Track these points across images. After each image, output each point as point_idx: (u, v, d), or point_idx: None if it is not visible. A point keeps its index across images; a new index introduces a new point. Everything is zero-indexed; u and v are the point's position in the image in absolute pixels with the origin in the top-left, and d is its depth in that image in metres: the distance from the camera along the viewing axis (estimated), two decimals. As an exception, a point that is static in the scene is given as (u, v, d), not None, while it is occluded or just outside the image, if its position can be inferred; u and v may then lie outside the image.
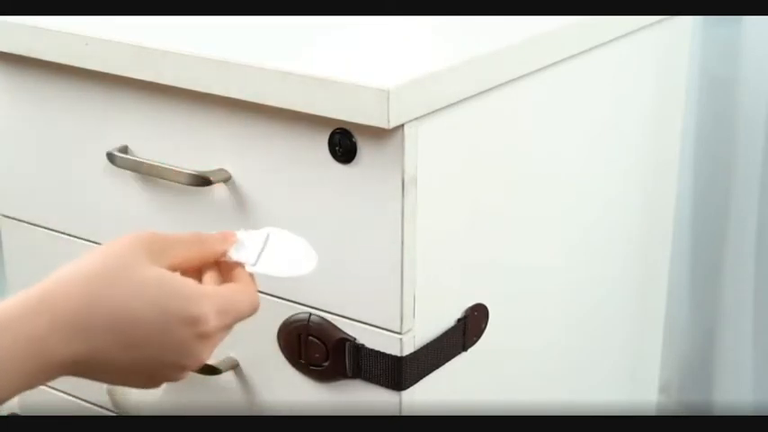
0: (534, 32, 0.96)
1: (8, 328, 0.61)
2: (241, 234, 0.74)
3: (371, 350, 0.90)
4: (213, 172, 0.94)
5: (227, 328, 0.69)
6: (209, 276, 0.71)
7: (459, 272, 0.95)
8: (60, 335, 0.62)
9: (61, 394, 1.12)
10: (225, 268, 0.72)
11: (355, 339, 0.91)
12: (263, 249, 0.74)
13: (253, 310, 0.71)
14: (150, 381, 0.68)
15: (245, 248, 0.73)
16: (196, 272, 0.71)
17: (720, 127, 1.50)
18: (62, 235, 1.08)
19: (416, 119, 0.84)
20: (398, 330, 0.89)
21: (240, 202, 0.94)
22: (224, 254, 0.72)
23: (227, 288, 0.70)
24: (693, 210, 1.56)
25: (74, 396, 1.12)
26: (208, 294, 0.67)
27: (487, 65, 0.90)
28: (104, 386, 1.04)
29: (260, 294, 0.97)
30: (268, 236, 0.75)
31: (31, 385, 0.62)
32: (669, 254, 1.36)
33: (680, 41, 1.23)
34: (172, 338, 0.65)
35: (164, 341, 0.65)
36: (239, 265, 0.73)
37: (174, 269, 0.68)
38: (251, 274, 0.73)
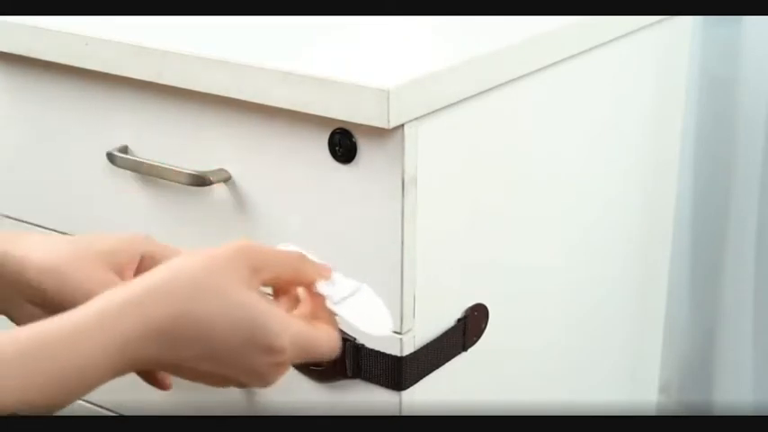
0: (534, 32, 0.96)
1: (103, 326, 0.63)
2: (337, 275, 0.74)
3: (371, 350, 0.90)
4: (213, 172, 0.94)
5: (303, 361, 0.71)
6: (301, 307, 0.72)
7: (459, 272, 0.95)
8: (151, 341, 0.64)
9: (61, 394, 1.12)
10: (313, 299, 0.73)
11: (355, 339, 0.91)
12: (350, 295, 0.74)
13: (332, 355, 0.72)
14: (220, 384, 0.70)
15: (335, 287, 0.74)
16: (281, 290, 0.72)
17: (720, 127, 1.50)
18: (62, 235, 1.08)
19: (416, 119, 0.84)
20: (398, 330, 0.89)
21: (240, 202, 0.94)
22: (313, 284, 0.73)
23: (313, 328, 0.70)
24: (693, 210, 1.56)
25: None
26: (292, 330, 0.68)
27: (487, 65, 0.90)
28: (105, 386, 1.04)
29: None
30: (360, 288, 0.75)
31: (114, 377, 0.65)
32: (669, 254, 1.36)
33: (680, 41, 1.23)
34: (250, 363, 0.67)
35: (242, 363, 0.67)
36: (323, 299, 0.73)
37: (265, 284, 0.70)
38: (336, 319, 0.73)
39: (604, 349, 1.25)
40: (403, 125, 0.84)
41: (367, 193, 0.87)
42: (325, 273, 0.73)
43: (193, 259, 0.67)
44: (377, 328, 0.75)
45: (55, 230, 1.09)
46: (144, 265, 0.77)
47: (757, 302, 1.53)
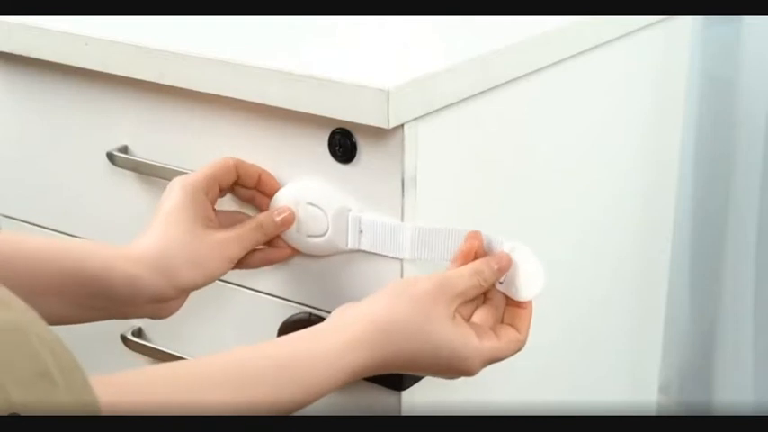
0: (534, 32, 0.96)
1: (339, 355, 0.79)
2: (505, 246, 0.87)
3: (371, 350, 0.90)
4: (213, 172, 0.94)
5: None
6: (483, 313, 0.87)
7: (459, 272, 0.95)
8: (371, 370, 0.80)
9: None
10: (496, 305, 0.88)
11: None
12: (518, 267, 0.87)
13: (516, 354, 0.87)
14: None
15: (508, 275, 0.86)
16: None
17: (720, 127, 1.50)
18: (62, 235, 1.08)
19: (416, 119, 0.84)
20: (398, 330, 0.89)
21: (240, 201, 0.94)
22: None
23: (498, 341, 0.85)
24: (693, 210, 1.56)
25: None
26: (483, 355, 0.84)
27: (487, 65, 0.90)
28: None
29: (260, 294, 0.97)
30: (515, 248, 0.88)
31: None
32: (669, 253, 1.36)
33: (680, 41, 1.23)
34: (444, 377, 0.85)
35: (438, 372, 0.84)
36: (522, 306, 0.87)
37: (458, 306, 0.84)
38: (528, 319, 0.87)
39: (604, 349, 1.25)
40: (403, 125, 0.84)
41: (367, 193, 0.87)
42: (503, 263, 0.86)
43: (405, 305, 0.81)
44: (534, 287, 0.87)
45: (55, 230, 1.09)
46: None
47: (757, 303, 1.53)
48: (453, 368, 0.83)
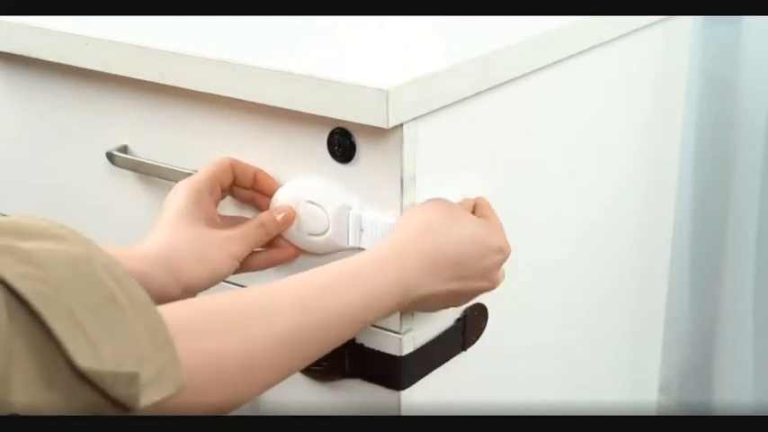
0: (533, 32, 0.96)
1: (392, 263, 0.81)
2: None
3: (371, 350, 0.90)
4: (213, 172, 0.94)
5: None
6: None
7: (459, 272, 0.95)
8: (424, 272, 0.82)
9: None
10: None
11: (354, 339, 0.91)
12: None
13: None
14: (462, 301, 0.89)
15: None
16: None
17: (720, 127, 1.50)
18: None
19: (415, 119, 0.84)
20: (398, 330, 0.89)
21: (240, 203, 0.94)
22: None
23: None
24: (693, 210, 1.56)
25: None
26: (496, 225, 0.90)
27: (487, 65, 0.90)
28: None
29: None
30: None
31: (396, 310, 0.82)
32: (669, 253, 1.36)
33: (680, 41, 1.23)
34: (486, 266, 0.87)
35: (482, 267, 0.87)
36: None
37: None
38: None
39: (604, 349, 1.25)
40: (402, 125, 0.84)
41: (366, 193, 0.87)
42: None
43: (431, 207, 0.86)
44: None
45: (55, 230, 1.09)
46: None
47: (757, 303, 1.53)
48: (491, 247, 0.87)
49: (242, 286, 0.98)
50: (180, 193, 0.88)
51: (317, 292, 0.76)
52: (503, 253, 0.88)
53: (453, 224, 0.85)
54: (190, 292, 0.87)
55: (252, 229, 0.89)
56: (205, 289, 0.88)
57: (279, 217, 0.90)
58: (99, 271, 0.63)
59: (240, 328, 0.71)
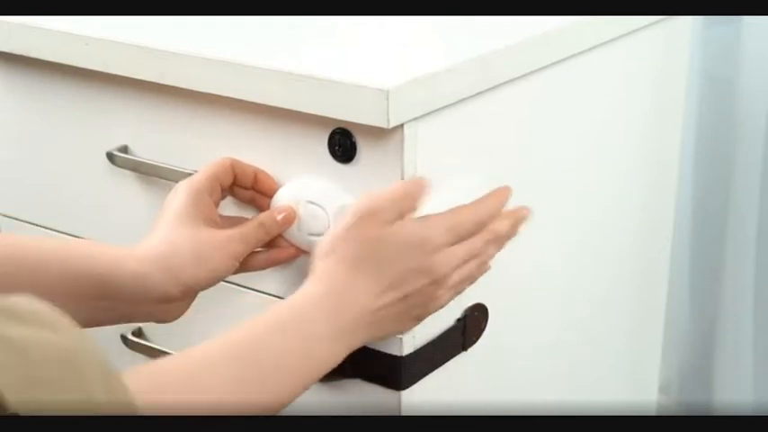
0: (533, 32, 0.96)
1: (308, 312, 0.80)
2: None
3: (371, 349, 0.90)
4: (213, 172, 0.94)
5: (453, 240, 0.84)
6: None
7: (459, 272, 0.95)
8: (353, 274, 0.81)
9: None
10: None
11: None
12: None
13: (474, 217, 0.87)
14: (412, 317, 0.85)
15: None
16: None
17: (720, 127, 1.50)
18: (62, 235, 1.08)
19: (416, 119, 0.84)
20: (398, 330, 0.89)
21: (240, 203, 0.94)
22: None
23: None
24: (693, 210, 1.56)
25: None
26: (442, 216, 0.85)
27: (487, 65, 0.90)
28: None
29: (259, 294, 0.97)
30: None
31: (344, 344, 0.81)
32: (669, 254, 1.36)
33: (680, 41, 1.23)
34: (412, 267, 0.82)
35: (414, 267, 0.82)
36: None
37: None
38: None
39: (604, 349, 1.25)
40: (402, 125, 0.84)
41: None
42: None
43: (343, 232, 0.83)
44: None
45: (55, 230, 1.09)
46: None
47: (757, 303, 1.53)
48: (416, 243, 0.82)
49: (242, 286, 0.98)
50: (179, 194, 0.88)
51: (251, 344, 0.77)
52: (424, 247, 0.83)
53: (362, 239, 0.82)
54: (189, 291, 0.87)
55: (252, 229, 0.89)
56: (204, 288, 0.88)
57: (279, 217, 0.90)
58: (85, 368, 0.60)
59: (185, 387, 0.72)
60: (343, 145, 0.86)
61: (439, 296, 0.85)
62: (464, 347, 0.96)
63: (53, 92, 1.04)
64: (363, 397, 0.92)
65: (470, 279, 0.88)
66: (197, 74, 0.90)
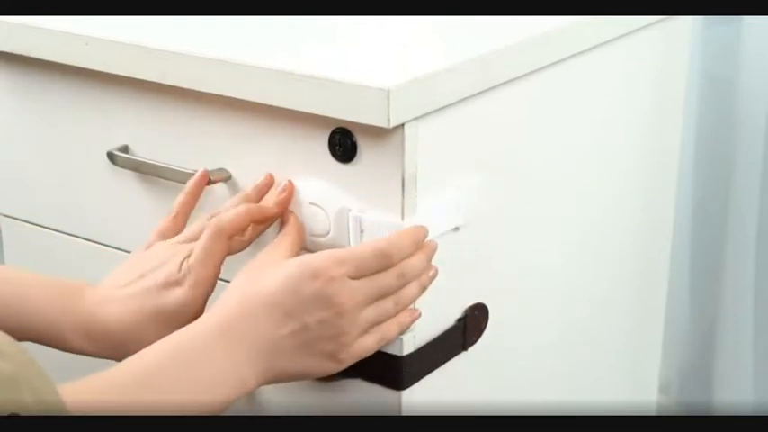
0: (533, 32, 0.96)
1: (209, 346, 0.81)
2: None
3: (371, 350, 0.90)
4: (213, 172, 0.94)
5: (352, 272, 0.82)
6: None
7: (460, 271, 0.95)
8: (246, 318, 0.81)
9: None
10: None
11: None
12: None
13: (375, 250, 0.84)
14: (314, 355, 0.83)
15: None
16: None
17: (720, 127, 1.50)
18: (62, 235, 1.09)
19: (416, 118, 0.84)
20: (398, 330, 0.89)
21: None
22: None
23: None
24: (693, 210, 1.56)
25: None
26: (332, 254, 0.83)
27: (487, 65, 0.90)
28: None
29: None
30: None
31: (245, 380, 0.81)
32: (669, 254, 1.36)
33: (680, 41, 1.23)
34: (306, 296, 0.81)
35: (302, 304, 0.81)
36: None
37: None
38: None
39: (604, 349, 1.25)
40: (403, 125, 0.84)
41: (367, 193, 0.87)
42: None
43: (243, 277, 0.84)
44: None
45: (55, 230, 1.09)
46: None
47: (757, 303, 1.53)
48: (304, 276, 0.81)
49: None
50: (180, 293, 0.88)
51: (152, 373, 0.78)
52: (316, 275, 0.81)
53: (259, 279, 0.82)
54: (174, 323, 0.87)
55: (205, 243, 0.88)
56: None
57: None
58: (22, 387, 0.63)
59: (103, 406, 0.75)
60: (343, 145, 0.86)
61: (348, 332, 0.83)
62: (464, 347, 0.96)
63: (53, 92, 1.04)
64: (363, 397, 0.92)
65: (388, 318, 0.85)
66: (198, 74, 0.90)
